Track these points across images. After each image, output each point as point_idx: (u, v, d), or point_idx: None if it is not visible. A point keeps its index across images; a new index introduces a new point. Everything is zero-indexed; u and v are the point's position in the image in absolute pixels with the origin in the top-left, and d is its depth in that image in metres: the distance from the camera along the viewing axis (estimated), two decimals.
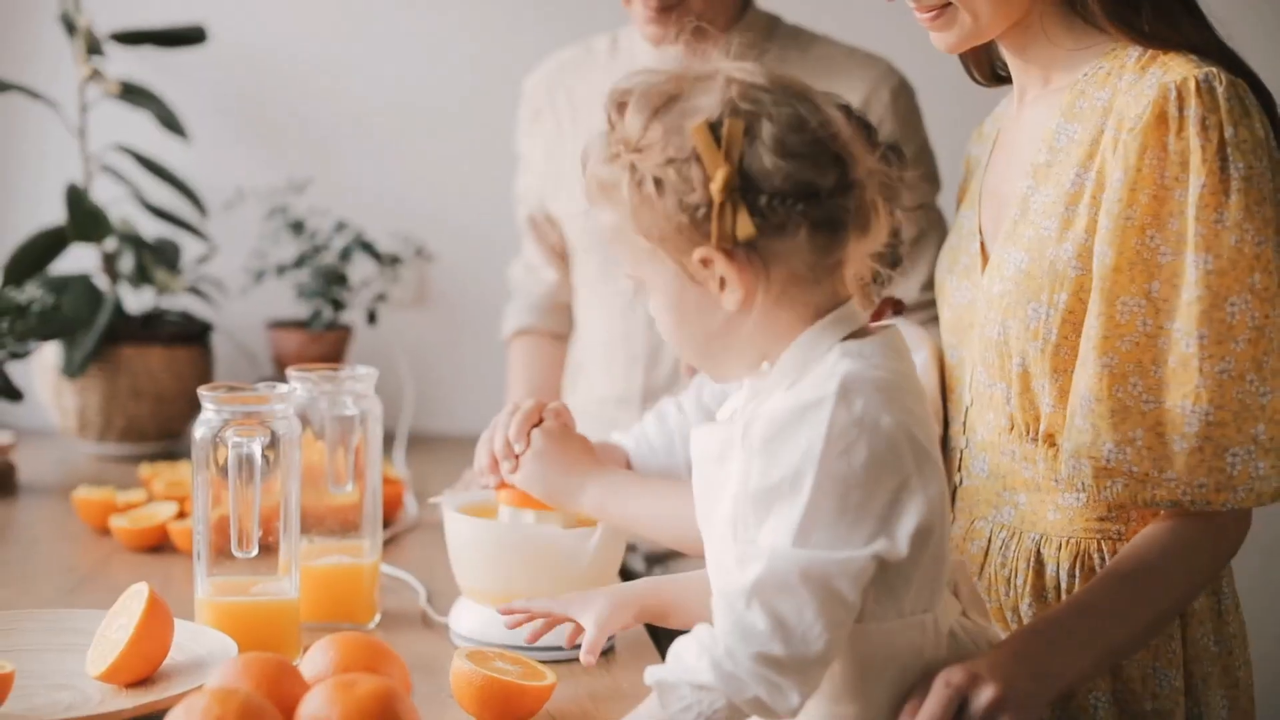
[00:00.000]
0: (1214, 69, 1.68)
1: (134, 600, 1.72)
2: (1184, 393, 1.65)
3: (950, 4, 1.77)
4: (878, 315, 2.08)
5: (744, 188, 1.43)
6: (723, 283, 1.47)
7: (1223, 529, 1.71)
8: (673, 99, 1.47)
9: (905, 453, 1.44)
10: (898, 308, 2.12)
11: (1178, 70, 1.69)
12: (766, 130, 1.44)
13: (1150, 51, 1.74)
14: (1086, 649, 1.61)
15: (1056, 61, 1.82)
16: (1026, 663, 1.55)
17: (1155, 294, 1.66)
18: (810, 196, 1.44)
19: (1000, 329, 1.78)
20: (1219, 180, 1.64)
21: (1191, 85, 1.66)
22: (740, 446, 1.49)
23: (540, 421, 2.00)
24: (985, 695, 1.48)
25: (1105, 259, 1.68)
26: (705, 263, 1.46)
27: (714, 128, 1.44)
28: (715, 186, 1.42)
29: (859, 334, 1.50)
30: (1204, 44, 1.75)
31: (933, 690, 1.48)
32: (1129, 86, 1.72)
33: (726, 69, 1.48)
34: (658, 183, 1.45)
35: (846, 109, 2.01)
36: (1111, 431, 1.68)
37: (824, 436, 1.42)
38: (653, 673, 1.46)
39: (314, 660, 1.63)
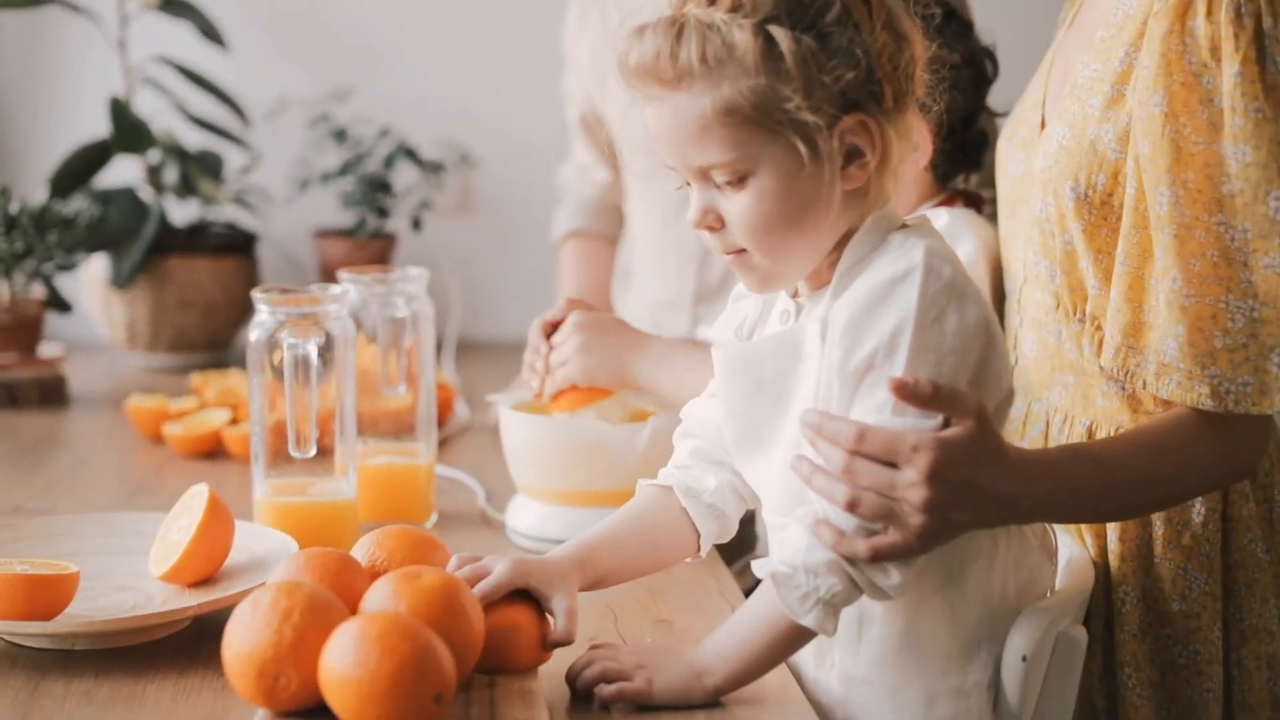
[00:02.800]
0: None
1: (194, 501, 1.73)
2: (1227, 287, 1.58)
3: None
4: (946, 204, 2.08)
5: (893, 58, 1.46)
6: (850, 157, 1.47)
7: (1234, 438, 1.63)
8: None
9: (988, 321, 1.46)
10: (969, 199, 2.11)
11: None
12: (890, 5, 1.46)
13: None
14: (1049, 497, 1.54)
15: None
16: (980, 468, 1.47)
17: (1191, 184, 1.59)
18: (942, 79, 1.48)
19: (1043, 205, 1.75)
20: (1257, 70, 1.57)
21: None
22: (818, 343, 1.49)
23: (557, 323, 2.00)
24: (914, 493, 1.42)
25: (1142, 149, 1.62)
26: (849, 132, 1.45)
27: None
28: (882, 48, 1.44)
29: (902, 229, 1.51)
30: None
31: (895, 433, 1.42)
32: None
33: None
34: (826, 41, 1.43)
35: (948, 8, 2.02)
36: (1149, 327, 1.63)
37: (916, 306, 1.42)
38: (764, 565, 1.46)
39: (358, 553, 1.61)
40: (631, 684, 1.46)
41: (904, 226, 1.51)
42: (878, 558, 1.42)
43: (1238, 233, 1.57)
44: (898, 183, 1.51)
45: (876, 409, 1.43)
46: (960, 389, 1.43)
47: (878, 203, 1.51)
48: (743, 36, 1.42)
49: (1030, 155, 1.81)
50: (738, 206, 1.48)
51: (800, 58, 1.42)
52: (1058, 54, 1.88)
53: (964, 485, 1.43)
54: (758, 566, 1.47)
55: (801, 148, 1.44)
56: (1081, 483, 1.55)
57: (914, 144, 1.51)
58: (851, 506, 1.42)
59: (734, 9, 1.43)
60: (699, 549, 1.66)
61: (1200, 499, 1.72)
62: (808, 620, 1.44)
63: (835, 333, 1.46)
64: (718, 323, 1.68)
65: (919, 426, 1.42)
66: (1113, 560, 1.75)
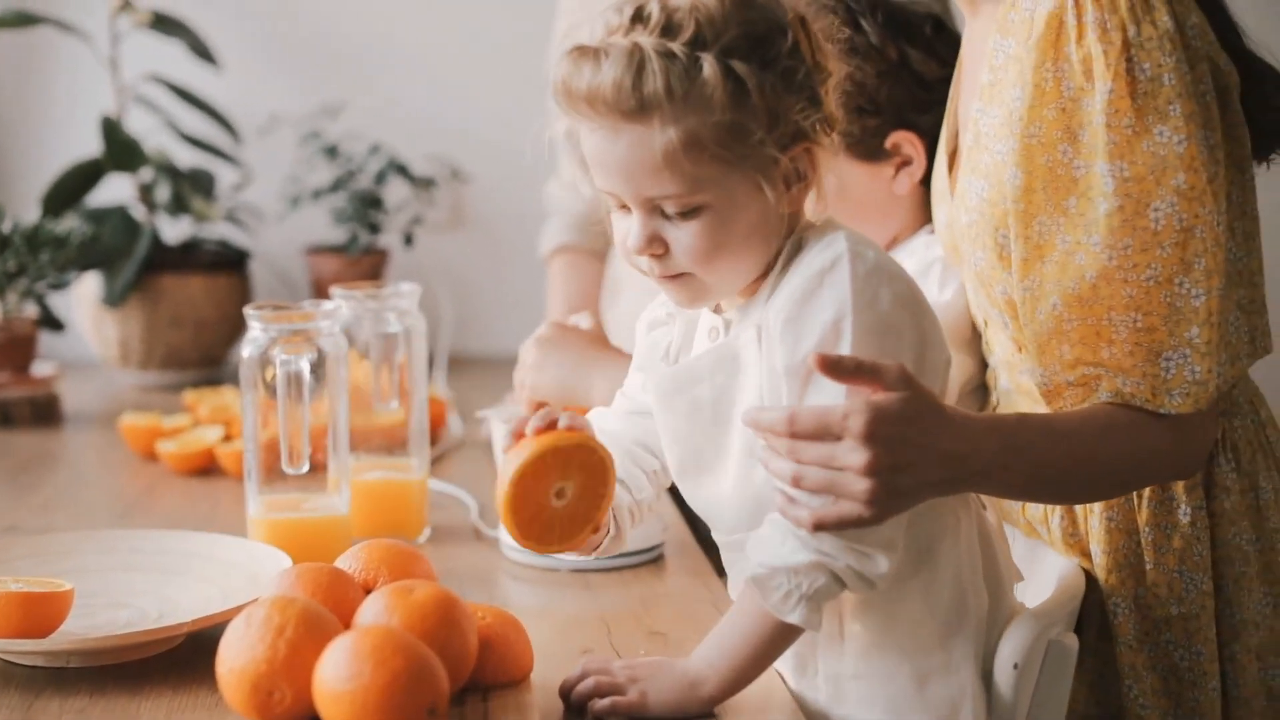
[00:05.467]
0: None
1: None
2: (1109, 305, 1.59)
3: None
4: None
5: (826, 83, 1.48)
6: (795, 179, 1.48)
7: (1180, 429, 1.63)
8: None
9: (916, 292, 1.48)
10: None
11: None
12: (831, 35, 1.49)
13: None
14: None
15: None
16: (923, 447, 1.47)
17: (1072, 209, 1.60)
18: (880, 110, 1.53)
19: (975, 259, 1.75)
20: (1126, 84, 1.57)
21: None
22: (756, 349, 1.50)
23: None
24: (854, 457, 1.41)
25: (1015, 181, 1.62)
26: (796, 158, 1.47)
27: (802, 22, 1.47)
28: (826, 76, 1.47)
29: None
30: None
31: (824, 408, 1.43)
32: None
33: None
34: (784, 76, 1.44)
35: (938, 22, 2.03)
36: (1040, 355, 1.64)
37: (850, 290, 1.44)
38: (744, 571, 1.48)
39: (343, 567, 1.62)
40: (625, 698, 1.46)
41: (812, 226, 1.53)
42: (822, 527, 1.42)
43: (1117, 251, 1.58)
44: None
45: (829, 401, 1.44)
46: (882, 361, 1.42)
47: (797, 218, 1.53)
48: (709, 71, 1.41)
49: (955, 209, 1.82)
50: (686, 235, 1.47)
51: (764, 94, 1.42)
52: (952, 103, 1.89)
53: (902, 442, 1.42)
54: (733, 586, 1.48)
55: (760, 179, 1.45)
56: (1030, 445, 1.55)
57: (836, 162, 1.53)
58: (796, 482, 1.42)
59: (693, 42, 1.42)
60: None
61: (1184, 499, 1.72)
62: (793, 618, 1.45)
63: (775, 333, 1.47)
64: (634, 360, 1.68)
65: None
66: (1099, 573, 1.75)
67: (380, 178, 3.40)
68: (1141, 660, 1.74)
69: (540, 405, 1.99)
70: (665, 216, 1.48)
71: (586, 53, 1.44)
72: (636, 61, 1.42)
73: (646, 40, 1.42)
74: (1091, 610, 1.76)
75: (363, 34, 3.58)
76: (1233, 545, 1.74)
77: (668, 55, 1.41)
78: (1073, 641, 1.63)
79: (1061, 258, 1.61)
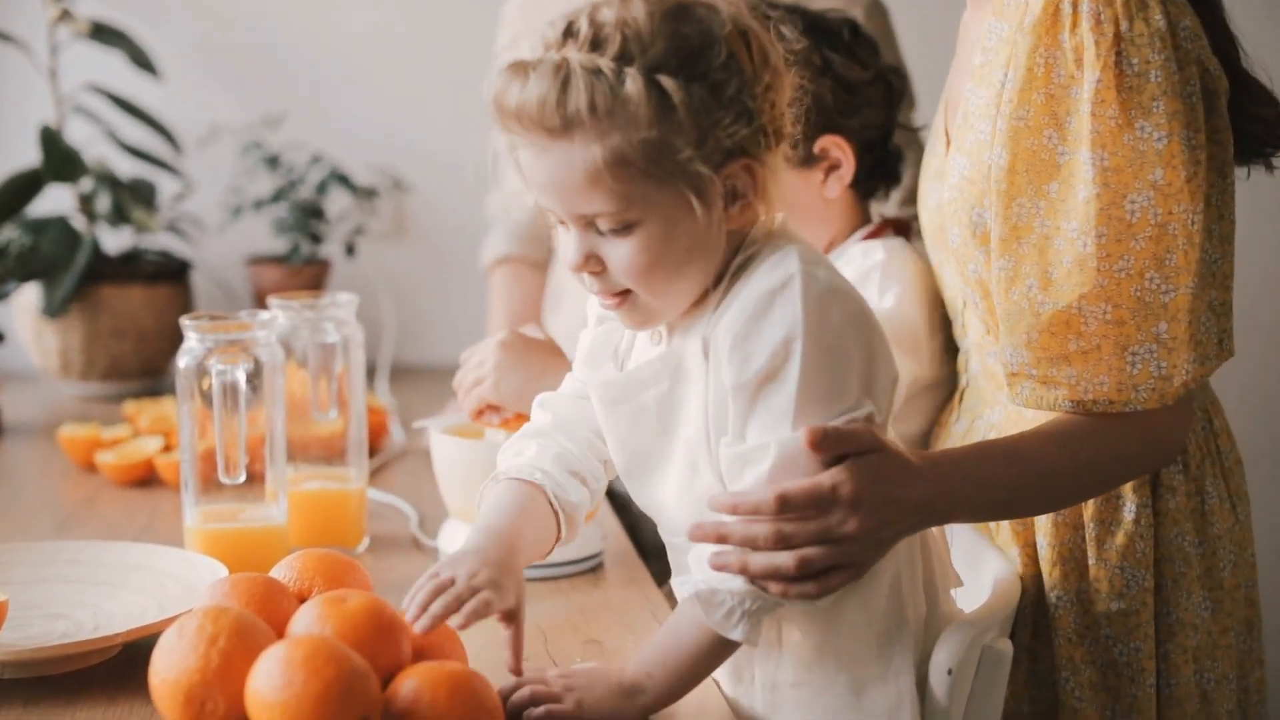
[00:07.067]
0: None
1: None
2: (1081, 293, 1.61)
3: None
4: (876, 235, 2.10)
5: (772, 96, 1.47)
6: (734, 197, 1.47)
7: (1152, 424, 1.66)
8: (681, 8, 1.44)
9: (866, 313, 1.49)
10: (898, 228, 2.13)
11: None
12: (778, 45, 1.48)
13: None
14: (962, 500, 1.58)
15: None
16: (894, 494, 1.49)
17: (1053, 194, 1.62)
18: (808, 115, 1.50)
19: (954, 235, 1.78)
20: (1114, 75, 1.59)
21: None
22: (701, 362, 1.50)
23: None
24: (849, 526, 1.44)
25: (1000, 161, 1.65)
26: (732, 176, 1.45)
27: (742, 34, 1.45)
28: (779, 95, 1.46)
29: None
30: None
31: (813, 483, 1.44)
32: None
33: None
34: (713, 90, 1.42)
35: (854, 26, 2.04)
36: (1009, 335, 1.66)
37: (801, 309, 1.44)
38: (685, 584, 1.49)
39: (278, 577, 1.62)
40: (560, 705, 1.46)
41: (770, 234, 1.53)
42: (828, 593, 1.46)
43: (1091, 239, 1.60)
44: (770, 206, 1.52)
45: (776, 420, 1.45)
46: (851, 427, 1.45)
47: (752, 222, 1.52)
48: (633, 87, 1.40)
49: (941, 187, 1.84)
50: (621, 252, 1.47)
51: (692, 109, 1.41)
52: (948, 85, 1.91)
53: (885, 503, 1.46)
54: (678, 585, 1.48)
55: (691, 197, 1.44)
56: (993, 477, 1.58)
57: (781, 177, 1.51)
58: (803, 567, 1.43)
59: (620, 56, 1.41)
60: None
61: (1131, 496, 1.74)
62: (735, 634, 1.46)
63: (722, 351, 1.47)
64: (580, 351, 1.68)
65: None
66: (1044, 566, 1.77)
67: (322, 188, 3.39)
68: (1080, 654, 1.76)
69: (492, 407, 1.99)
70: (600, 233, 1.48)
71: (518, 68, 1.44)
72: (561, 78, 1.41)
73: (574, 56, 1.42)
74: (1026, 612, 1.77)
75: (304, 44, 3.58)
76: (1175, 545, 1.76)
77: (593, 71, 1.41)
78: (1007, 647, 1.65)
79: (1039, 241, 1.63)
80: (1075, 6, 1.62)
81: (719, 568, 1.45)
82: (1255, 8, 2.03)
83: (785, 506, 1.43)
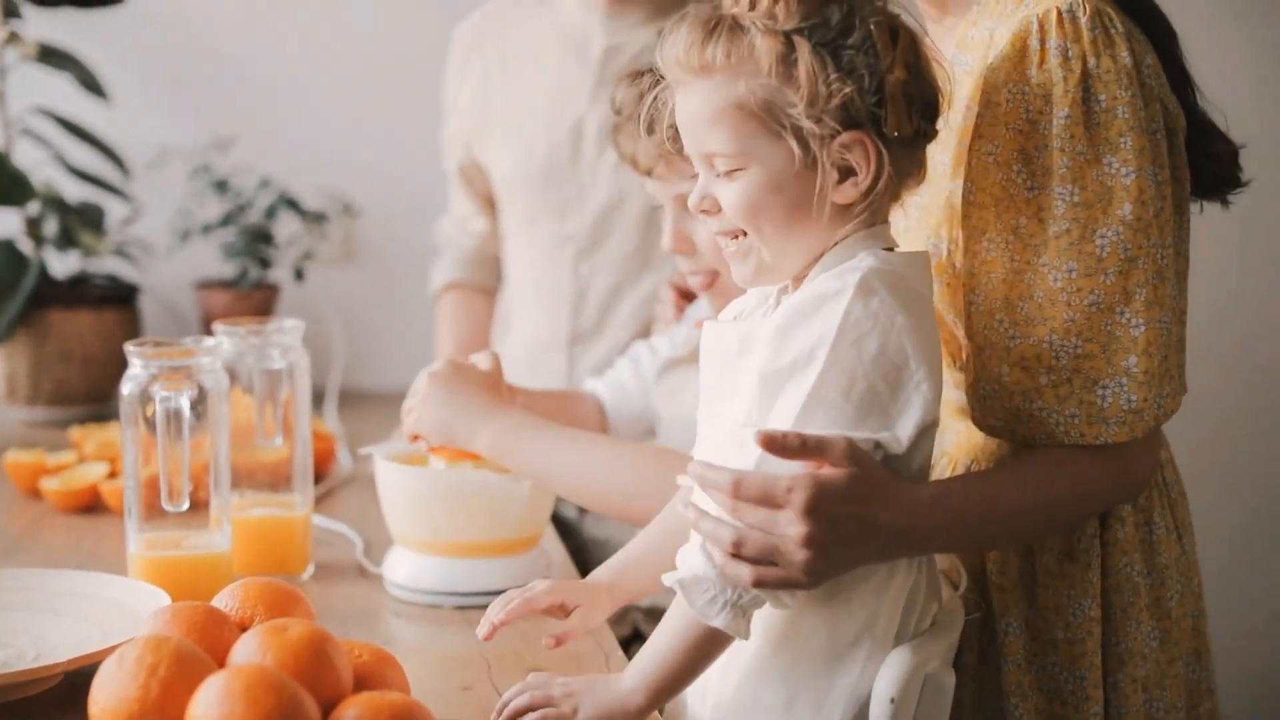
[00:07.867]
0: None
1: None
2: (1051, 327, 1.62)
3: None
4: None
5: (907, 91, 1.52)
6: (844, 174, 1.53)
7: (1124, 456, 1.68)
8: None
9: (912, 352, 1.51)
10: None
11: (1046, 0, 1.65)
12: (918, 47, 1.55)
13: None
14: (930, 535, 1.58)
15: None
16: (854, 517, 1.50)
17: (1022, 229, 1.64)
18: (935, 116, 1.56)
19: None
20: (1082, 111, 1.61)
21: (1054, 16, 1.63)
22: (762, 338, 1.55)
23: None
24: (793, 529, 1.47)
25: (968, 195, 1.67)
26: (845, 148, 1.52)
27: (891, 28, 1.52)
28: (895, 78, 1.51)
29: (889, 249, 1.58)
30: None
31: (769, 479, 1.48)
32: (1009, 14, 1.68)
33: None
34: (840, 59, 1.50)
35: None
36: (979, 368, 1.68)
37: (838, 325, 1.49)
38: (670, 576, 1.52)
39: (220, 605, 1.61)
40: (556, 709, 1.51)
41: (869, 235, 1.58)
42: (761, 585, 1.47)
43: (1061, 273, 1.62)
44: (889, 209, 1.59)
45: (782, 417, 1.49)
46: (828, 437, 1.47)
47: (867, 222, 1.57)
48: (765, 41, 1.51)
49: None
50: (730, 192, 1.56)
51: (811, 69, 1.50)
52: None
53: (846, 520, 1.48)
54: (666, 578, 1.51)
55: (797, 151, 1.52)
56: (971, 514, 1.59)
57: (917, 179, 1.59)
58: (737, 547, 1.47)
59: (768, 15, 1.52)
60: None
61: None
62: (718, 622, 1.49)
63: (767, 336, 1.52)
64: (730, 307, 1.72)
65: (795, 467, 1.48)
66: (994, 593, 1.78)
67: (271, 212, 3.38)
68: (1029, 680, 1.76)
69: (416, 438, 1.99)
70: (718, 175, 1.57)
71: (683, 18, 1.57)
72: (710, 27, 1.54)
73: (733, 10, 1.54)
74: (973, 636, 1.78)
75: (253, 68, 3.57)
76: (1123, 575, 1.76)
77: (740, 25, 1.53)
78: (950, 677, 1.65)
79: (1009, 276, 1.65)
80: (1043, 43, 1.63)
81: (683, 512, 1.52)
82: (1213, 46, 2.04)
83: (738, 491, 1.47)
